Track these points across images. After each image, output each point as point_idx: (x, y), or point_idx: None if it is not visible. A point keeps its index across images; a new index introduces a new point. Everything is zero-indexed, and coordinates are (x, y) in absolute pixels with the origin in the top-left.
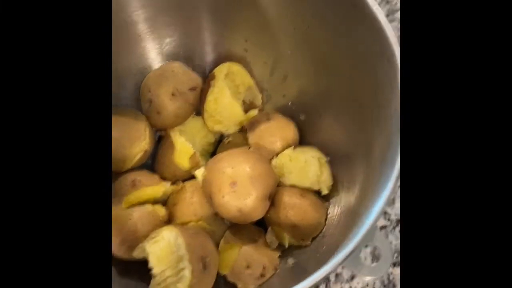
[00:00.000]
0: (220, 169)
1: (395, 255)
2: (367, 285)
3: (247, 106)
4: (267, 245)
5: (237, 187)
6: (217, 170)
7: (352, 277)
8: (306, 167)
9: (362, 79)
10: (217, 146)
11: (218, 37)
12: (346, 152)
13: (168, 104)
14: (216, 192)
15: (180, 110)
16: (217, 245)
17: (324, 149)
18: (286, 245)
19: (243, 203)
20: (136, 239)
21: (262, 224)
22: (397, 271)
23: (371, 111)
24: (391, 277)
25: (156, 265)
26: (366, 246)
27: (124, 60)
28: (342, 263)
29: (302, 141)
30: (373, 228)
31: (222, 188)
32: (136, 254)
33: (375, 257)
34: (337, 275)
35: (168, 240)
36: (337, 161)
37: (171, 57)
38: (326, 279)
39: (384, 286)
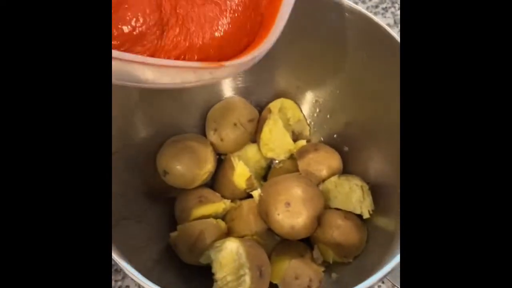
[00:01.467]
0: (276, 191)
1: None
2: None
3: (296, 137)
4: (313, 260)
5: (291, 207)
6: (273, 192)
7: None
8: (350, 193)
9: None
10: (268, 170)
11: (275, 76)
12: (385, 180)
13: (231, 133)
14: (273, 210)
15: (240, 138)
16: (268, 257)
17: (365, 177)
18: (331, 261)
19: (295, 221)
20: (203, 247)
21: (308, 242)
22: None
23: None
24: None
25: (219, 271)
26: None
27: (195, 94)
28: (379, 281)
29: (345, 170)
30: None
31: (277, 207)
32: (202, 260)
33: None
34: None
35: (231, 249)
36: (376, 187)
37: (234, 91)
38: None
39: None
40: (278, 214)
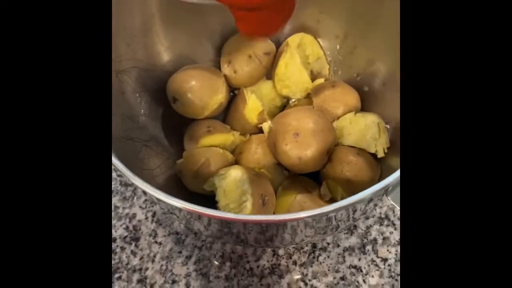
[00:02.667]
0: (286, 121)
1: None
2: None
3: (315, 76)
4: (320, 197)
5: (300, 137)
6: (283, 122)
7: (399, 242)
8: (365, 130)
9: None
10: (282, 110)
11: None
12: None
13: (245, 65)
14: (280, 140)
15: (254, 71)
16: (275, 191)
17: (384, 118)
18: (339, 199)
19: (303, 153)
20: (207, 174)
21: (317, 180)
22: None
23: None
24: None
25: (222, 198)
26: None
27: (211, 23)
28: (372, 195)
29: (364, 110)
30: None
31: (286, 137)
32: (207, 186)
33: None
34: (384, 238)
35: (235, 177)
36: (395, 129)
37: None
38: (373, 241)
39: None
40: (286, 145)
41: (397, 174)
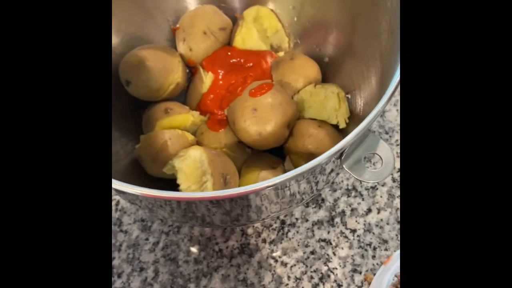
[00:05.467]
0: (243, 97)
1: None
2: (381, 220)
3: (275, 50)
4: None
5: (258, 112)
6: (240, 99)
7: (367, 212)
8: (325, 101)
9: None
10: None
11: None
12: (365, 89)
13: (200, 42)
14: (239, 117)
15: (211, 48)
16: (239, 171)
17: (344, 87)
18: None
19: (262, 128)
20: (166, 156)
21: (281, 156)
22: None
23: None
24: None
25: (184, 181)
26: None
27: (162, 3)
28: (335, 154)
29: (325, 81)
30: (376, 137)
31: (244, 114)
32: (166, 170)
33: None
34: (352, 210)
35: (194, 157)
36: (355, 97)
37: (204, 1)
38: (342, 213)
39: (398, 222)
40: (245, 121)
41: (348, 139)
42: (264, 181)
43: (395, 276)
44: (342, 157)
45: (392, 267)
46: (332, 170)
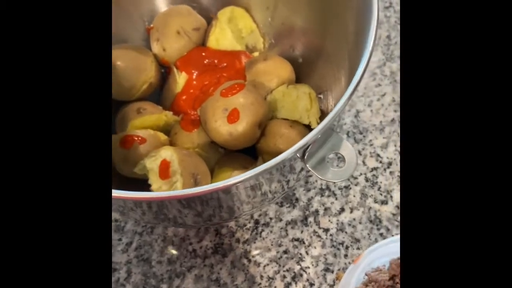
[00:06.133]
0: (214, 97)
1: (384, 194)
2: (354, 219)
3: (250, 51)
4: None
5: (229, 112)
6: (212, 99)
7: (340, 212)
8: (297, 101)
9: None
10: None
11: None
12: (336, 89)
13: (173, 42)
14: (210, 117)
15: (184, 48)
16: (212, 171)
17: (318, 88)
18: None
19: (233, 128)
20: (138, 156)
21: (254, 156)
22: (384, 208)
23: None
24: (377, 214)
25: (155, 181)
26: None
27: (137, 3)
28: (297, 151)
29: (300, 82)
30: (339, 137)
31: (215, 114)
32: (137, 170)
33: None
34: (326, 209)
35: (165, 157)
36: (328, 97)
37: (178, 1)
38: (315, 212)
39: (371, 221)
40: (216, 121)
41: (308, 137)
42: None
43: (366, 274)
44: (305, 156)
45: (361, 265)
46: (297, 169)
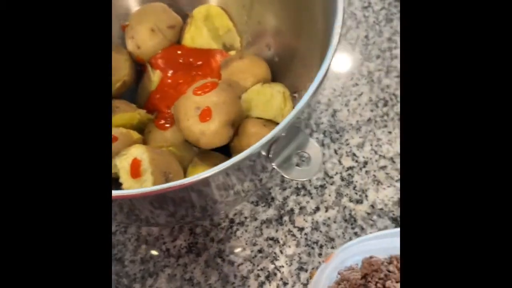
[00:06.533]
0: (187, 95)
1: (359, 193)
2: (329, 218)
3: (227, 50)
4: None
5: (201, 111)
6: (184, 97)
7: (316, 211)
8: (271, 100)
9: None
10: None
11: None
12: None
13: (148, 39)
14: (182, 116)
15: (159, 46)
16: (186, 170)
17: (294, 88)
18: None
19: (205, 127)
20: None
21: (228, 154)
22: (359, 207)
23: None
24: (352, 213)
25: (126, 180)
26: (299, 152)
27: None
28: (261, 147)
29: (276, 81)
30: (306, 136)
31: (187, 112)
32: None
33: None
34: (301, 208)
35: (136, 155)
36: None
37: None
38: (290, 211)
39: (345, 220)
40: (188, 120)
41: (271, 134)
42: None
43: (338, 273)
44: (270, 154)
45: (333, 263)
46: (266, 167)
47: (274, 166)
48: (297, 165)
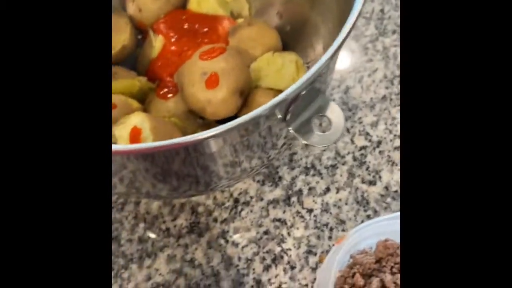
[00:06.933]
0: (192, 60)
1: (373, 174)
2: (340, 199)
3: (235, 18)
4: None
5: (207, 77)
6: (190, 62)
7: (326, 191)
8: (283, 69)
9: None
10: None
11: None
12: None
13: (150, 2)
14: (187, 82)
15: (162, 10)
16: None
17: (306, 58)
18: None
19: (212, 94)
20: None
21: None
22: (372, 189)
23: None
24: (365, 195)
25: None
26: (321, 116)
27: None
28: (276, 106)
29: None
30: (326, 99)
31: (193, 78)
32: None
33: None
34: (310, 189)
35: (135, 124)
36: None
37: None
38: (299, 192)
39: (358, 202)
40: (193, 86)
41: (289, 91)
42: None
43: (351, 256)
44: (288, 117)
45: (345, 246)
46: (278, 132)
47: (291, 131)
48: (316, 130)
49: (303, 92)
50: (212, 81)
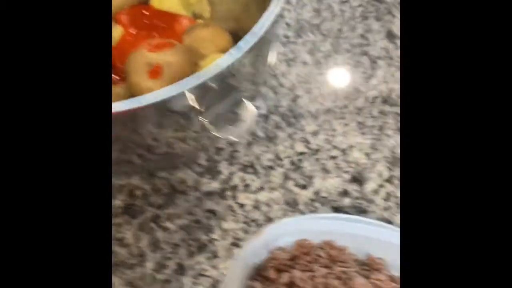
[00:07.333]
0: (139, 50)
1: (306, 179)
2: (272, 199)
3: (196, 19)
4: None
5: (152, 68)
6: (138, 52)
7: (260, 190)
8: None
9: None
10: None
11: None
12: None
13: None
14: (132, 70)
15: (126, 1)
16: None
17: None
18: None
19: (154, 84)
20: None
21: None
22: (303, 192)
23: None
24: (296, 197)
25: None
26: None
27: None
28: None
29: None
30: (239, 95)
31: (138, 67)
32: None
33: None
34: (246, 185)
35: None
36: None
37: None
38: (234, 187)
39: (288, 203)
40: (137, 74)
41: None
42: None
43: (269, 252)
44: (203, 108)
45: (262, 240)
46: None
47: (202, 120)
48: (229, 124)
49: (214, 85)
50: (155, 72)
